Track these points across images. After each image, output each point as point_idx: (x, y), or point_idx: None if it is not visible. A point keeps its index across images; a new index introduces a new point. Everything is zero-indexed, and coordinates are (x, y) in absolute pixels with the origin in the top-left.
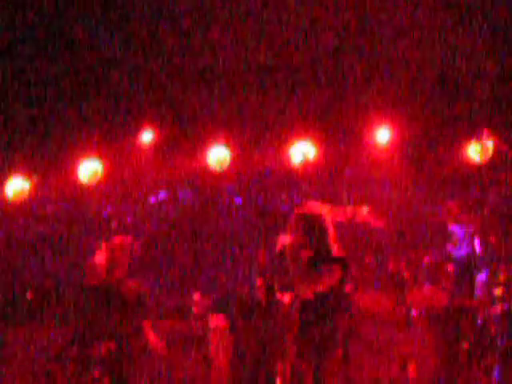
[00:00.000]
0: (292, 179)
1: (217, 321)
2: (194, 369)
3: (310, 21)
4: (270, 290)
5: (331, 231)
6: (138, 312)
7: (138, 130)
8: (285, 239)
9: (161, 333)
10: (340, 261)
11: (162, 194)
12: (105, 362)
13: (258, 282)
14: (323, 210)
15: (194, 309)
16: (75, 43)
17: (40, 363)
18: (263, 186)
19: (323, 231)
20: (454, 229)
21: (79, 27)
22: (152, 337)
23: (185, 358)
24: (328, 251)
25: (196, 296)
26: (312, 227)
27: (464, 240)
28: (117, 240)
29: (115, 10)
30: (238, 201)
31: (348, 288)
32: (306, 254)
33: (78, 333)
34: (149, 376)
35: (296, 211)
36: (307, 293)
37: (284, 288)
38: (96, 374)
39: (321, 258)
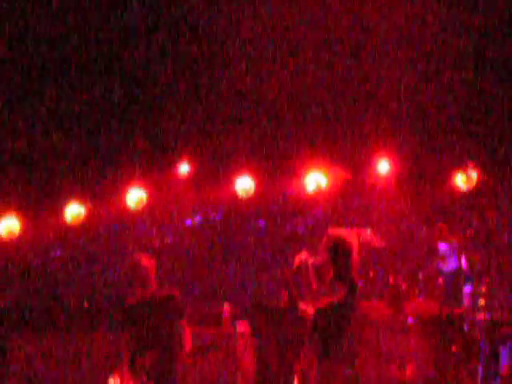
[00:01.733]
0: (306, 205)
1: (243, 327)
2: (224, 370)
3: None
4: (292, 301)
5: (355, 257)
6: (175, 317)
7: (176, 163)
8: (302, 256)
9: (196, 337)
10: (349, 281)
11: (197, 218)
12: (150, 368)
13: (283, 293)
14: (352, 236)
15: (224, 316)
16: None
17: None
18: (282, 210)
19: (347, 256)
20: (443, 247)
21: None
22: (187, 336)
23: (215, 360)
24: (347, 273)
25: (226, 305)
26: (338, 251)
27: (452, 257)
28: (143, 258)
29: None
30: (261, 223)
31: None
32: (326, 272)
33: (128, 343)
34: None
35: (329, 235)
36: (318, 304)
37: (305, 299)
38: (144, 379)
39: (337, 277)
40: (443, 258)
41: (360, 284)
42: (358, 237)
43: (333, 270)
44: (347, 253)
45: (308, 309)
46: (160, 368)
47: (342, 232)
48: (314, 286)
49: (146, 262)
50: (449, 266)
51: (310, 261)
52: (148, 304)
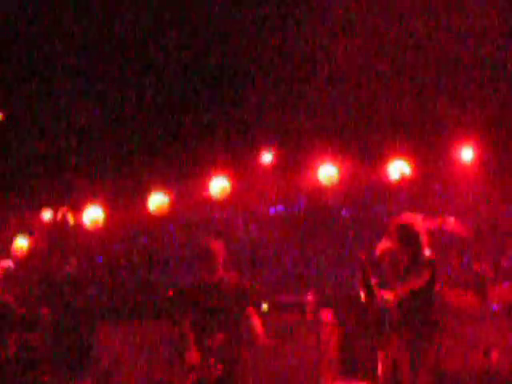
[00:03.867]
0: (390, 193)
1: (327, 315)
2: (307, 359)
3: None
4: (370, 290)
5: (424, 238)
6: (242, 302)
7: (259, 152)
8: (383, 245)
9: (279, 323)
10: (430, 265)
11: (280, 207)
12: (217, 351)
13: (361, 282)
14: (417, 220)
15: (308, 305)
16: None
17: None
18: (365, 199)
19: (416, 238)
20: None
21: None
22: (256, 323)
23: (298, 349)
24: (420, 256)
25: (310, 294)
26: (407, 235)
27: None
28: (211, 242)
29: None
30: (344, 212)
31: (437, 286)
32: (401, 259)
33: (193, 326)
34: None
35: (394, 221)
36: (400, 292)
37: (384, 287)
38: (211, 361)
39: (413, 262)
40: None
41: (444, 272)
42: (442, 225)
43: (406, 255)
44: (414, 235)
45: (388, 297)
46: (228, 352)
47: (405, 217)
48: (392, 272)
49: (215, 246)
50: None
51: (386, 248)
52: (214, 287)
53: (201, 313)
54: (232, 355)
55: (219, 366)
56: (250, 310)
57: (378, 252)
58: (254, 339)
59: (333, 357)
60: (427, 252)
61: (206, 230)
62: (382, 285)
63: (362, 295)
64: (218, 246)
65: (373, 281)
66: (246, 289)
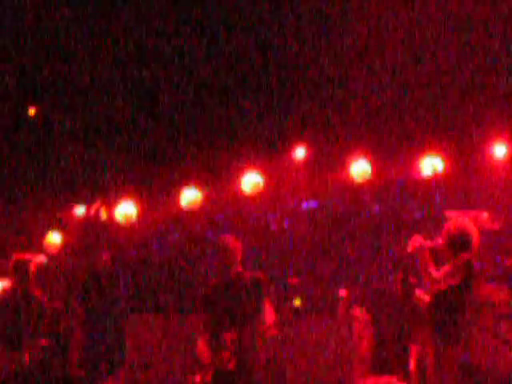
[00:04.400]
0: (422, 189)
1: (360, 312)
2: (340, 353)
3: None
4: (406, 286)
5: (475, 247)
6: (259, 297)
7: (292, 147)
8: (416, 241)
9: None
10: (467, 265)
11: (313, 202)
12: (231, 345)
13: (397, 278)
14: (473, 228)
15: (340, 302)
16: None
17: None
18: (398, 195)
19: (467, 246)
20: None
21: None
22: (269, 315)
23: (330, 343)
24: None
25: (342, 291)
26: (459, 241)
27: None
28: (228, 239)
29: None
30: (376, 208)
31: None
32: (443, 256)
33: (208, 322)
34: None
35: (451, 222)
36: (435, 288)
37: (420, 283)
38: (225, 355)
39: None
40: None
41: (478, 267)
42: (474, 220)
43: (451, 256)
44: (468, 244)
45: (424, 296)
46: (242, 346)
47: (464, 222)
48: (431, 269)
49: (233, 243)
50: None
51: (427, 244)
52: (231, 284)
53: (217, 310)
54: (246, 349)
55: (232, 361)
56: (266, 301)
57: (411, 248)
58: (265, 331)
59: (365, 353)
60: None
61: (235, 227)
62: (419, 285)
63: (400, 294)
64: (234, 244)
65: (411, 280)
66: (262, 283)
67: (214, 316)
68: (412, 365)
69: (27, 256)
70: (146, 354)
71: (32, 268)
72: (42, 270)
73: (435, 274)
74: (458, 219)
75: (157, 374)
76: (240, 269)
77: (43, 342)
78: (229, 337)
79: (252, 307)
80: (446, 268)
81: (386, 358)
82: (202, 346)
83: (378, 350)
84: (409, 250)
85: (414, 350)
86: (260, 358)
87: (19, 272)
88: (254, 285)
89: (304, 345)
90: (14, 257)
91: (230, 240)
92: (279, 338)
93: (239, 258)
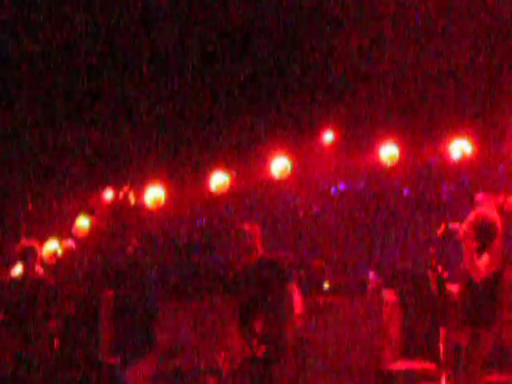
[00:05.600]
0: (451, 173)
1: (389, 296)
2: (370, 339)
3: None
4: (441, 283)
5: (498, 239)
6: (282, 280)
7: (320, 131)
8: (450, 226)
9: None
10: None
11: (342, 186)
12: (260, 332)
13: (430, 273)
14: (498, 219)
15: (369, 285)
16: None
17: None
18: (427, 178)
19: (493, 238)
20: None
21: None
22: (296, 298)
23: (360, 327)
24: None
25: (371, 274)
26: (485, 233)
27: None
28: (247, 226)
29: None
30: (405, 191)
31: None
32: (475, 245)
33: (238, 309)
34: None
35: (477, 214)
36: (473, 277)
37: (451, 279)
38: (254, 342)
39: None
40: None
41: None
42: (502, 204)
43: (484, 244)
44: (497, 231)
45: (454, 289)
46: (270, 331)
47: (488, 211)
48: (475, 258)
49: (250, 229)
50: None
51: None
52: (253, 269)
53: (243, 295)
54: (274, 335)
55: (262, 347)
56: (292, 286)
57: (440, 232)
58: (295, 318)
59: (394, 337)
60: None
61: (264, 211)
62: (450, 279)
63: (433, 286)
64: (252, 229)
65: (444, 274)
66: (284, 265)
67: (241, 302)
68: (442, 348)
69: (33, 242)
70: (174, 341)
71: (39, 253)
72: (71, 254)
73: (478, 263)
74: (480, 209)
75: (185, 361)
76: (261, 252)
77: (53, 324)
78: (258, 324)
79: (277, 292)
80: (486, 257)
81: (416, 343)
82: (231, 333)
83: (408, 334)
84: (438, 233)
85: (443, 334)
86: (288, 347)
87: (27, 258)
88: (277, 268)
89: (333, 329)
90: (21, 243)
91: (248, 225)
92: (308, 325)
93: (259, 242)
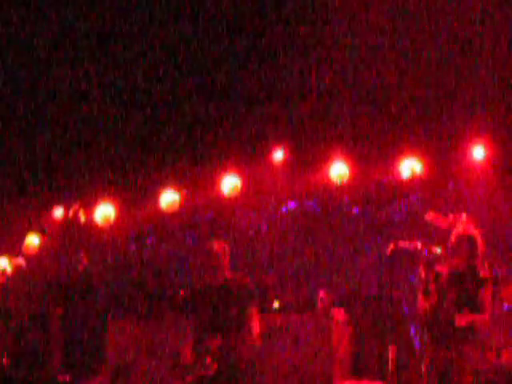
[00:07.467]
0: (401, 192)
1: (339, 315)
2: (318, 358)
3: None
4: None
5: (482, 251)
6: (245, 303)
7: (270, 149)
8: (399, 244)
9: (291, 321)
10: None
11: (292, 205)
12: (216, 351)
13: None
14: (475, 231)
15: (319, 304)
16: None
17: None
18: (377, 197)
19: (477, 253)
20: None
21: None
22: (254, 324)
23: (309, 348)
24: (477, 272)
25: (321, 292)
26: (473, 249)
27: None
28: (216, 245)
29: None
30: (355, 210)
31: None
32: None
33: (195, 328)
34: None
35: (457, 232)
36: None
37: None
38: (208, 361)
39: (471, 278)
40: None
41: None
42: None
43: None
44: (477, 253)
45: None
46: (226, 352)
47: (471, 230)
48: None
49: (219, 248)
50: None
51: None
52: (218, 289)
53: (204, 314)
54: (230, 356)
55: (214, 366)
56: (254, 310)
57: (389, 250)
58: (253, 340)
59: (343, 356)
60: (484, 267)
61: (214, 229)
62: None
63: (420, 298)
64: (221, 248)
65: (432, 286)
66: (251, 290)
67: (199, 321)
68: (390, 367)
69: None
70: (126, 359)
71: None
72: (20, 273)
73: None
74: (465, 227)
75: (137, 379)
76: (228, 273)
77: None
78: (213, 343)
79: (239, 315)
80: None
81: (365, 361)
82: (185, 351)
83: (358, 351)
84: (388, 251)
85: (392, 353)
86: (242, 367)
87: None
88: (242, 292)
89: (282, 347)
90: None
91: (217, 244)
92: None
93: (226, 263)
